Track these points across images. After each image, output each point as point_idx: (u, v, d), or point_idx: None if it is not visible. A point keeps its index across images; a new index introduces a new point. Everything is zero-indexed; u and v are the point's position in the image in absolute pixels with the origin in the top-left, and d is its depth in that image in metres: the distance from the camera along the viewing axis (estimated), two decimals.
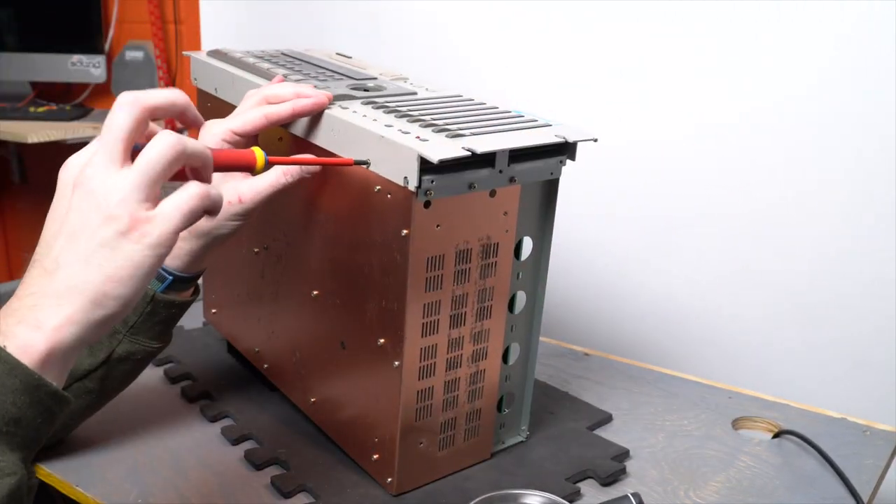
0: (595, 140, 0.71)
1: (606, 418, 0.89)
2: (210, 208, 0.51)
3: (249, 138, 0.72)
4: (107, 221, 0.48)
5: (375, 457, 0.75)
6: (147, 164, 0.49)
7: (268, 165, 0.62)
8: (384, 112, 0.73)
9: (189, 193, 0.50)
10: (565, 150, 0.72)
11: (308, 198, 0.77)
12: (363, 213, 0.70)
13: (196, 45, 1.91)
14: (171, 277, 0.72)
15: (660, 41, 1.17)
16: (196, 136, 0.69)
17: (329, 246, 0.76)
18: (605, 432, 0.87)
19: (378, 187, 0.67)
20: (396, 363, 0.70)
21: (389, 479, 0.74)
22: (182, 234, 0.52)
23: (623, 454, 0.82)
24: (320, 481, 0.76)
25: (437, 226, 0.67)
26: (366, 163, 0.67)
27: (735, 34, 1.11)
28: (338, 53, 0.98)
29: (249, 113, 0.72)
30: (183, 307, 0.75)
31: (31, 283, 0.49)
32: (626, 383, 0.97)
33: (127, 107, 0.50)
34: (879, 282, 1.08)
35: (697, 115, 1.17)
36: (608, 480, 0.78)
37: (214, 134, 0.70)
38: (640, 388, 0.96)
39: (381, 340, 0.71)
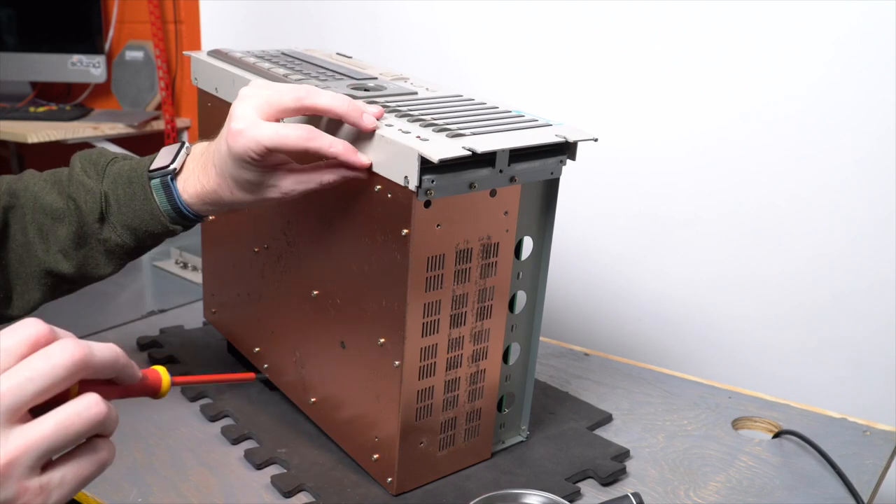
0: (595, 140, 0.71)
1: (606, 418, 0.89)
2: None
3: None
4: None
5: (375, 457, 0.75)
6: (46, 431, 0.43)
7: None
8: (385, 112, 0.73)
9: (83, 461, 0.46)
10: (565, 149, 0.72)
11: (308, 198, 0.77)
12: (363, 212, 0.70)
13: (196, 45, 1.91)
14: (192, 216, 0.77)
15: (660, 41, 1.17)
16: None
17: (329, 246, 0.76)
18: (605, 432, 0.87)
19: (378, 187, 0.67)
20: (396, 363, 0.70)
21: (389, 479, 0.74)
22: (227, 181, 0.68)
23: (623, 454, 0.82)
24: (320, 481, 0.76)
25: (438, 225, 0.67)
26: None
27: (735, 34, 1.11)
28: (338, 53, 0.98)
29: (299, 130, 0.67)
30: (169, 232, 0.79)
31: None
32: (626, 383, 0.97)
33: (69, 368, 0.44)
34: (879, 282, 1.08)
35: (698, 115, 1.17)
36: (608, 480, 0.78)
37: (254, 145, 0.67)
38: (640, 388, 0.96)
39: (382, 340, 0.71)
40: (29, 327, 0.45)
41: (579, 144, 0.72)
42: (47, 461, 0.44)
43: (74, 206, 0.76)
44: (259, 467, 0.78)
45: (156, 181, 0.75)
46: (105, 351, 0.46)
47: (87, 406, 0.45)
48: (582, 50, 1.23)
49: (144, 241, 0.78)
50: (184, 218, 0.77)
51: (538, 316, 0.78)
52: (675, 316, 1.26)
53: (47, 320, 0.46)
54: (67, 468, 0.45)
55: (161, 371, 0.54)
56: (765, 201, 1.14)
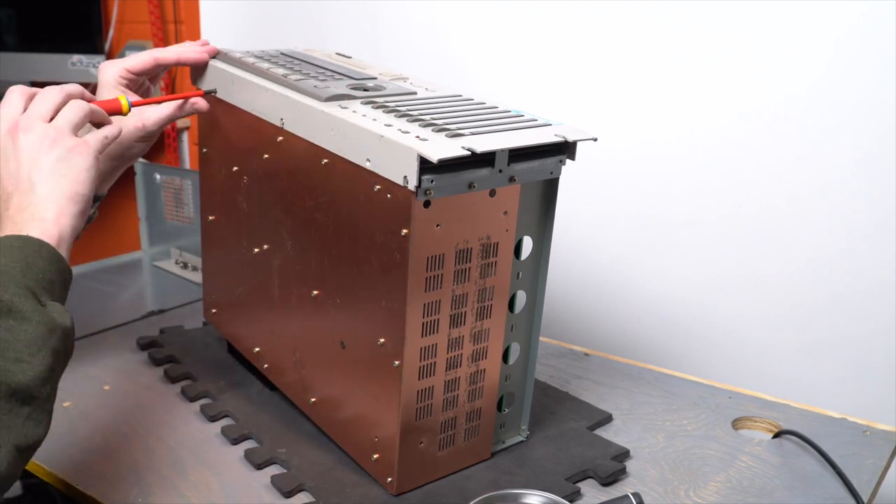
0: (595, 139, 0.71)
1: (606, 418, 0.89)
2: (113, 133, 0.72)
3: (141, 78, 0.86)
4: (56, 144, 0.66)
5: (375, 457, 0.75)
6: (67, 118, 0.68)
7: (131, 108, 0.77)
8: (384, 112, 0.73)
9: (101, 131, 0.71)
10: (565, 149, 0.72)
11: (308, 197, 0.77)
12: (363, 212, 0.70)
13: None
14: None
15: (660, 41, 1.17)
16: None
17: (329, 246, 0.76)
18: (605, 432, 0.87)
19: (378, 187, 0.67)
20: (396, 363, 0.70)
21: (389, 479, 0.74)
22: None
23: (623, 454, 0.82)
24: (320, 481, 0.76)
25: (437, 225, 0.67)
26: (213, 91, 0.83)
27: (735, 35, 1.11)
28: (337, 53, 0.98)
29: (141, 54, 0.85)
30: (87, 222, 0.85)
31: (16, 207, 0.64)
32: (626, 383, 0.97)
33: (79, 106, 0.70)
34: (879, 282, 1.08)
35: (697, 115, 1.16)
36: (608, 480, 0.78)
37: (112, 73, 0.84)
38: (640, 388, 0.96)
39: (381, 340, 0.71)
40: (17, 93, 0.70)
41: (579, 144, 0.72)
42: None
43: None
44: (259, 467, 0.78)
45: None
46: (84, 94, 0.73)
47: (79, 103, 0.71)
48: (582, 50, 1.23)
49: None
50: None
51: (538, 316, 0.78)
52: (675, 316, 1.26)
53: None
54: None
55: (121, 98, 0.77)
56: (765, 201, 1.14)
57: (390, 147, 0.65)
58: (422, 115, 0.72)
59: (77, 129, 0.68)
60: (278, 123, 0.79)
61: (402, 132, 0.67)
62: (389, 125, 0.68)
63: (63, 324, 0.60)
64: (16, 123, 0.67)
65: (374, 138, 0.67)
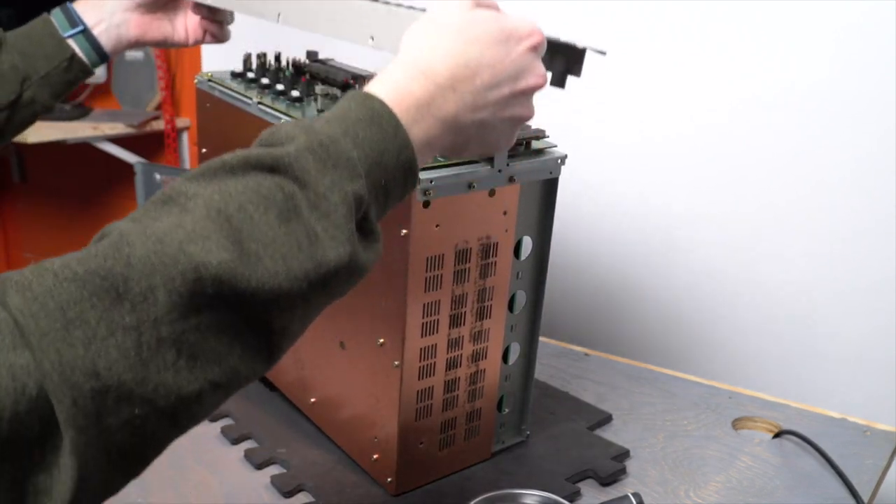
0: (604, 53, 0.63)
1: (606, 418, 0.89)
2: None
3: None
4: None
5: (375, 457, 0.75)
6: None
7: None
8: None
9: None
10: (560, 162, 0.72)
11: None
12: None
13: (196, 45, 1.91)
14: (82, 27, 0.80)
15: (661, 40, 1.17)
16: None
17: None
18: (605, 432, 0.87)
19: None
20: (396, 363, 0.70)
21: (389, 479, 0.74)
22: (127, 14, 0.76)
23: (623, 454, 0.82)
24: (320, 481, 0.76)
25: (437, 225, 0.67)
26: None
27: (735, 34, 1.11)
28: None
29: None
30: (86, 75, 0.83)
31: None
32: (626, 383, 0.97)
33: None
34: (879, 282, 1.08)
35: (697, 115, 1.17)
36: (608, 480, 0.78)
37: None
38: (640, 388, 0.96)
39: (381, 340, 0.71)
40: None
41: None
42: None
43: None
44: (259, 467, 0.78)
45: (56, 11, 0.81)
46: None
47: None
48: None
49: (36, 62, 0.80)
50: (71, 22, 0.80)
51: (538, 316, 0.78)
52: (675, 316, 1.26)
53: None
54: None
55: None
56: (765, 201, 1.14)
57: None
58: None
59: None
60: None
61: None
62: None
63: (363, 263, 0.46)
64: None
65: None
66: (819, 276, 1.13)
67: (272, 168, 0.43)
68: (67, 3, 0.81)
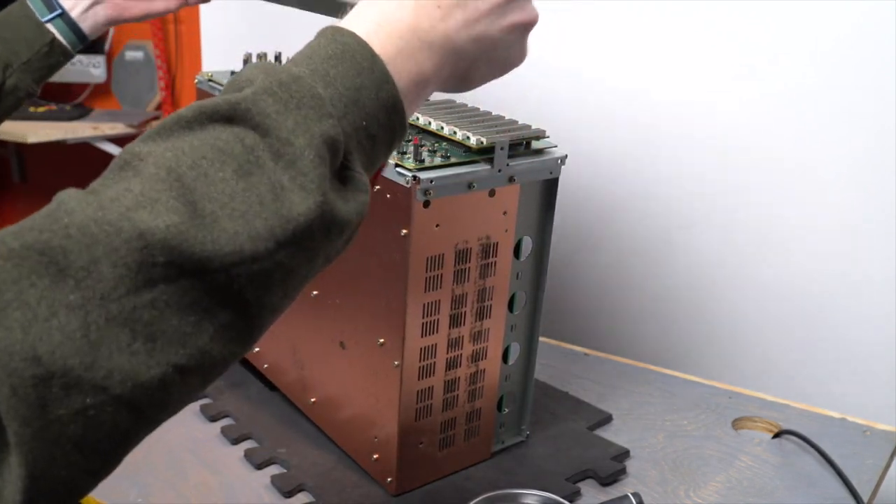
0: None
1: (606, 418, 0.89)
2: None
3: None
4: None
5: (375, 457, 0.75)
6: None
7: None
8: None
9: None
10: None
11: None
12: None
13: (196, 45, 1.91)
14: (60, 10, 0.80)
15: (660, 41, 1.17)
16: None
17: None
18: (605, 432, 0.87)
19: (377, 187, 0.67)
20: (396, 363, 0.70)
21: (389, 479, 0.74)
22: None
23: (623, 454, 0.82)
24: (320, 481, 0.76)
25: (437, 225, 0.67)
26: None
27: (734, 34, 1.11)
28: None
29: None
30: (67, 59, 0.83)
31: None
32: (626, 383, 0.97)
33: None
34: (879, 282, 1.08)
35: (697, 115, 1.16)
36: (608, 480, 0.78)
37: None
38: (640, 388, 0.96)
39: (381, 340, 0.71)
40: None
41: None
42: None
43: None
44: (259, 467, 0.78)
45: None
46: None
47: None
48: (582, 49, 1.23)
49: (17, 47, 0.79)
50: (48, 6, 0.80)
51: (538, 316, 0.78)
52: (675, 316, 1.26)
53: None
54: None
55: None
56: (765, 200, 1.14)
57: None
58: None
59: None
60: None
61: None
62: None
63: (345, 215, 0.41)
64: None
65: None
66: (819, 276, 1.13)
67: (229, 117, 0.38)
68: None
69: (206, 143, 0.37)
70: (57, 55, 0.81)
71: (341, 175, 0.41)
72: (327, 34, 0.43)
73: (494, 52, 0.48)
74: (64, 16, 0.80)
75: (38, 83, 0.82)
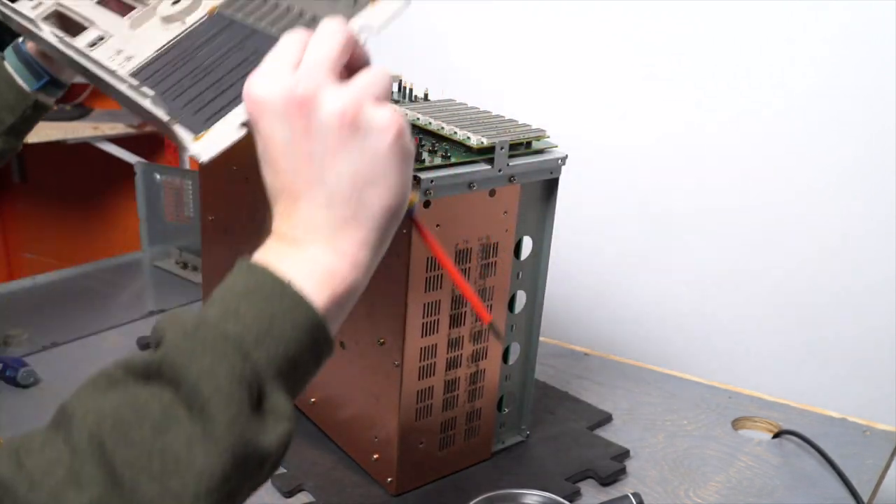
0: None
1: (606, 418, 0.89)
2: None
3: None
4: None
5: (375, 457, 0.75)
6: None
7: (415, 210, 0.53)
8: None
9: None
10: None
11: None
12: None
13: None
14: (47, 77, 0.77)
15: (660, 42, 1.17)
16: None
17: None
18: (605, 432, 0.87)
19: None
20: (396, 363, 0.70)
21: (389, 479, 0.74)
22: None
23: (623, 454, 0.82)
24: (320, 481, 0.76)
25: (437, 225, 0.67)
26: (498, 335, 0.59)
27: (732, 35, 1.11)
28: None
29: None
30: (49, 109, 0.81)
31: (285, 215, 0.46)
32: (626, 383, 0.97)
33: (343, 30, 0.47)
34: (879, 282, 1.08)
35: (696, 115, 1.16)
36: (608, 480, 0.78)
37: None
38: (640, 388, 0.96)
39: (381, 340, 0.71)
40: (297, 31, 0.47)
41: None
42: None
43: None
44: None
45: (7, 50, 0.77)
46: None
47: (379, 67, 0.47)
48: (582, 49, 1.23)
49: None
50: (34, 74, 0.77)
51: (538, 316, 0.78)
52: (675, 316, 1.26)
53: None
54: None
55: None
56: (764, 200, 1.14)
57: None
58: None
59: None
60: None
61: None
62: None
63: (265, 450, 0.40)
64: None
65: None
66: (819, 276, 1.13)
67: (146, 376, 0.40)
68: (20, 46, 0.77)
69: (127, 404, 0.39)
70: (40, 110, 0.80)
71: (260, 407, 0.41)
72: (242, 267, 0.44)
73: (375, 187, 0.45)
74: (51, 80, 0.78)
75: (22, 138, 0.81)
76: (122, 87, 0.57)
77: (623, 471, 0.79)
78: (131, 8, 0.68)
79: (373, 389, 0.73)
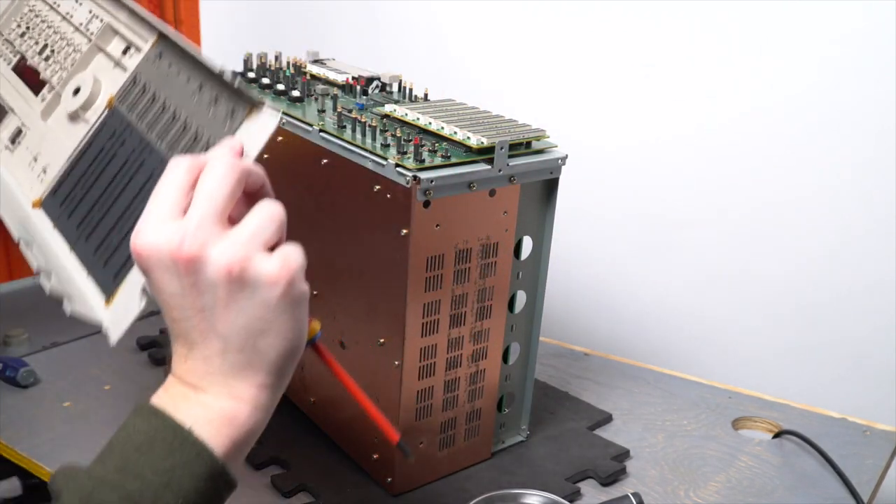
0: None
1: (606, 418, 0.89)
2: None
3: None
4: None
5: (375, 457, 0.75)
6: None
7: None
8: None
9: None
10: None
11: (308, 197, 0.77)
12: (363, 212, 0.70)
13: (196, 45, 1.91)
14: None
15: (658, 43, 1.17)
16: None
17: (329, 246, 0.76)
18: (605, 432, 0.87)
19: (378, 187, 0.67)
20: (396, 363, 0.70)
21: (389, 479, 0.74)
22: None
23: (623, 454, 0.82)
24: (320, 481, 0.76)
25: (437, 225, 0.67)
26: (407, 454, 0.60)
27: (732, 35, 1.11)
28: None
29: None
30: None
31: (187, 369, 0.46)
32: (626, 383, 0.97)
33: (238, 167, 0.46)
34: (879, 282, 1.08)
35: (696, 115, 1.16)
36: (608, 480, 0.78)
37: None
38: (640, 388, 0.96)
39: (381, 340, 0.71)
40: (182, 163, 0.46)
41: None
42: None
43: None
44: (259, 467, 0.78)
45: None
46: (248, 162, 0.48)
47: (270, 204, 0.47)
48: (582, 50, 1.23)
49: None
50: None
51: (538, 316, 0.78)
52: (675, 316, 1.26)
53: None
54: (283, 247, 0.46)
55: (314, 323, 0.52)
56: (764, 201, 1.14)
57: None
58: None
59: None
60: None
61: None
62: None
63: None
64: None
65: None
66: (819, 275, 1.13)
67: None
68: None
69: None
70: None
71: None
72: (142, 412, 0.44)
73: (266, 337, 0.45)
74: None
75: None
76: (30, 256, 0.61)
77: (623, 471, 0.79)
78: (39, 79, 0.68)
79: (373, 389, 0.73)
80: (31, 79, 0.69)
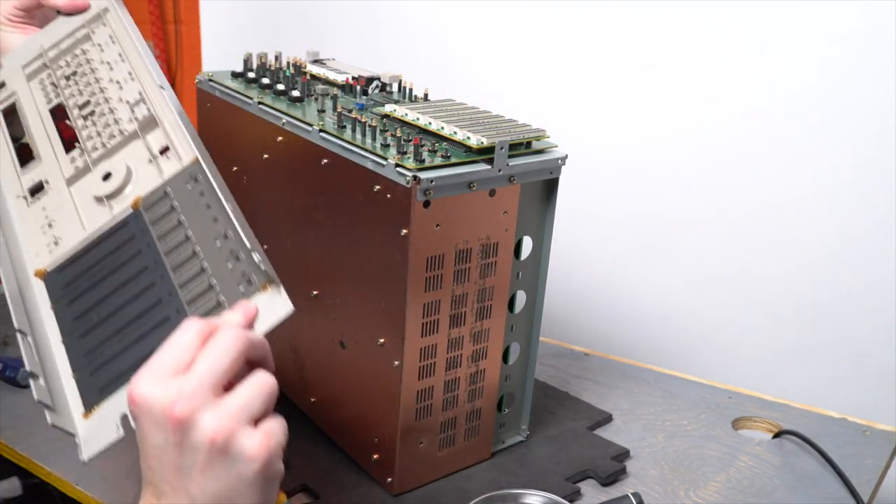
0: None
1: (606, 418, 0.89)
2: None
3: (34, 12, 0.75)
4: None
5: (375, 457, 0.75)
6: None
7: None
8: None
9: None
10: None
11: (308, 197, 0.77)
12: (363, 212, 0.70)
13: (196, 46, 1.91)
14: None
15: (658, 43, 1.17)
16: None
17: (329, 246, 0.76)
18: (605, 432, 0.87)
19: (378, 187, 0.67)
20: (396, 363, 0.69)
21: (389, 479, 0.74)
22: None
23: (623, 454, 0.82)
24: (320, 481, 0.76)
25: (437, 225, 0.67)
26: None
27: (732, 35, 1.11)
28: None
29: None
30: None
31: None
32: (626, 383, 0.97)
33: (242, 343, 0.49)
34: (879, 282, 1.08)
35: (696, 115, 1.16)
36: (608, 480, 0.78)
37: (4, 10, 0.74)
38: (640, 388, 0.96)
39: (381, 340, 0.71)
40: (195, 326, 0.48)
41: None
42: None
43: None
44: None
45: None
46: (255, 335, 0.51)
47: (264, 377, 0.50)
48: (581, 52, 1.23)
49: None
50: None
51: (538, 316, 0.78)
52: (675, 316, 1.26)
53: None
54: (268, 421, 0.49)
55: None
56: (764, 201, 1.14)
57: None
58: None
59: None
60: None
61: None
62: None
63: None
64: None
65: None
66: (819, 276, 1.13)
67: None
68: None
69: None
70: None
71: None
72: None
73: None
74: None
75: None
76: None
77: (623, 471, 0.79)
78: (74, 135, 0.66)
79: (373, 389, 0.73)
80: (65, 131, 0.67)
